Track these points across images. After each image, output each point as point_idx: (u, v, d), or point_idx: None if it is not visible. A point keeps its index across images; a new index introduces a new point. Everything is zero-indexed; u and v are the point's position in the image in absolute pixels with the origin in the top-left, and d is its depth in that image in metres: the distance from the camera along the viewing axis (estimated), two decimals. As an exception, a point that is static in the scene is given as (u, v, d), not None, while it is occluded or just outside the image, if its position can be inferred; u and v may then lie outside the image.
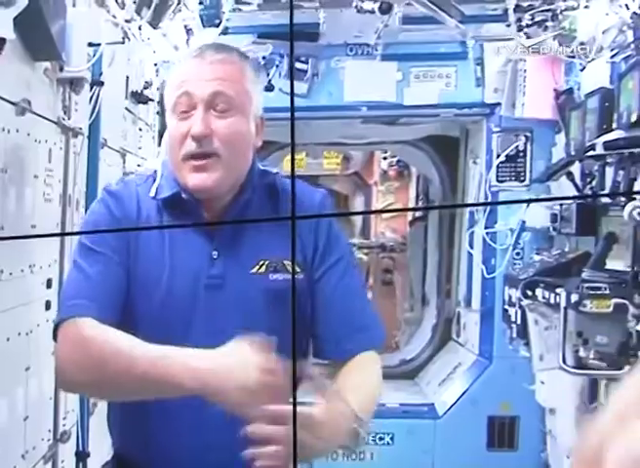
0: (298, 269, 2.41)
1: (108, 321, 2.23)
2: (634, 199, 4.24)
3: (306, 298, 2.45)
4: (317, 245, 2.47)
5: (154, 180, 2.50)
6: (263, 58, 6.51)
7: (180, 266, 2.37)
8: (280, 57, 6.57)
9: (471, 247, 6.99)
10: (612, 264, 4.77)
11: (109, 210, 2.42)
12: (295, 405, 1.88)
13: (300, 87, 6.61)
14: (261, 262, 2.40)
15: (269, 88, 6.50)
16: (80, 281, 2.34)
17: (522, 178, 6.51)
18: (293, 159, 4.14)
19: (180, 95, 2.37)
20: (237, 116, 2.38)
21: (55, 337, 2.29)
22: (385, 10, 5.13)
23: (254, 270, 2.39)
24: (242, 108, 2.39)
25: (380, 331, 2.54)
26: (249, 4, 5.83)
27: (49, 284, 3.63)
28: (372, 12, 5.21)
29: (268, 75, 6.51)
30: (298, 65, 6.59)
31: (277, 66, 6.58)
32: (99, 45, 4.08)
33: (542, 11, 5.73)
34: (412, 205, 9.93)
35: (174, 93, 2.40)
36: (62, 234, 3.72)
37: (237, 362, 2.05)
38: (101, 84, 4.22)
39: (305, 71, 6.60)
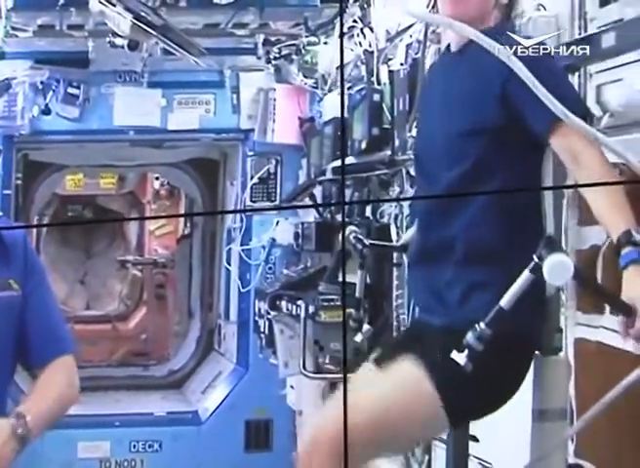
0: (17, 286, 2.75)
1: None
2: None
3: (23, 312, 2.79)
4: (26, 266, 2.81)
5: None
6: (41, 82, 6.74)
7: None
8: (56, 81, 6.80)
9: (229, 263, 7.44)
10: (349, 277, 5.27)
11: None
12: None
13: (73, 111, 6.89)
14: None
15: (46, 112, 6.75)
16: None
17: (273, 199, 7.01)
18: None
19: None
20: None
21: None
22: (133, 47, 5.48)
23: None
24: None
25: (70, 342, 2.95)
26: (25, 31, 6.04)
27: None
28: (122, 47, 5.55)
29: (46, 99, 6.77)
30: (70, 90, 6.84)
31: (54, 91, 6.82)
32: None
33: (288, 45, 6.26)
34: (181, 224, 10.23)
35: None
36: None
37: None
38: None
39: (78, 96, 6.88)
